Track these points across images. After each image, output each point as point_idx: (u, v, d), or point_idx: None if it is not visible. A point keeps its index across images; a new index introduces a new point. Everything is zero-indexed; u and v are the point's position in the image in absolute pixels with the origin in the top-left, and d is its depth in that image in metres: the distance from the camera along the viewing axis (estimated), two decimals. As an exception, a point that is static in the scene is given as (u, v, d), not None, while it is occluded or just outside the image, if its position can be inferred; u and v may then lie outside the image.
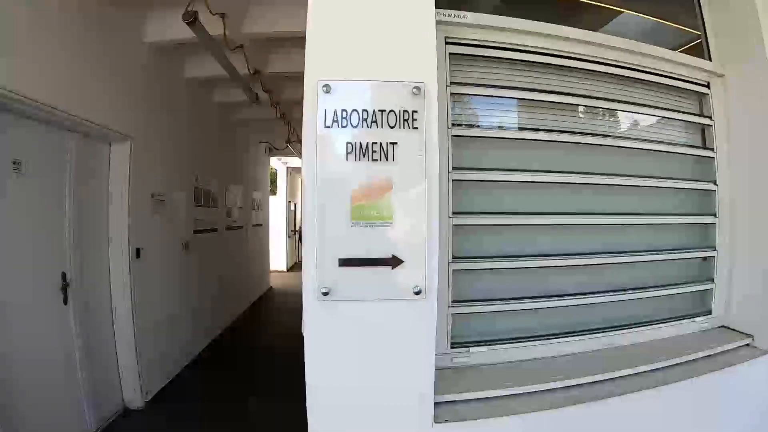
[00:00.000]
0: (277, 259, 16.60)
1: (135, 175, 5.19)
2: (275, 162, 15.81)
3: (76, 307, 4.42)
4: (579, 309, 2.47)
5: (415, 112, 1.80)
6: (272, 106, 7.55)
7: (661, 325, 2.66)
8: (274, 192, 16.80)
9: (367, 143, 1.77)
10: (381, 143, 1.77)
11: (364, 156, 1.76)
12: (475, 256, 2.29)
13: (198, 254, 7.36)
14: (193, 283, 6.91)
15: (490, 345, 2.31)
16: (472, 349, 2.27)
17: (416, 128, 1.80)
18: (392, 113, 1.79)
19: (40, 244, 4.03)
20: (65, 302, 4.29)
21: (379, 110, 1.79)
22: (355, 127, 1.78)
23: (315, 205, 1.74)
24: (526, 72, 2.41)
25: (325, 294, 1.75)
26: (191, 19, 3.82)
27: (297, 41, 5.52)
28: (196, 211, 7.44)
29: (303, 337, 1.76)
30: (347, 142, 1.77)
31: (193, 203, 7.30)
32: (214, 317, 7.27)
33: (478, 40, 2.28)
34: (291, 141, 10.33)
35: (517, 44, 2.33)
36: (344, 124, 1.77)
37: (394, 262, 1.76)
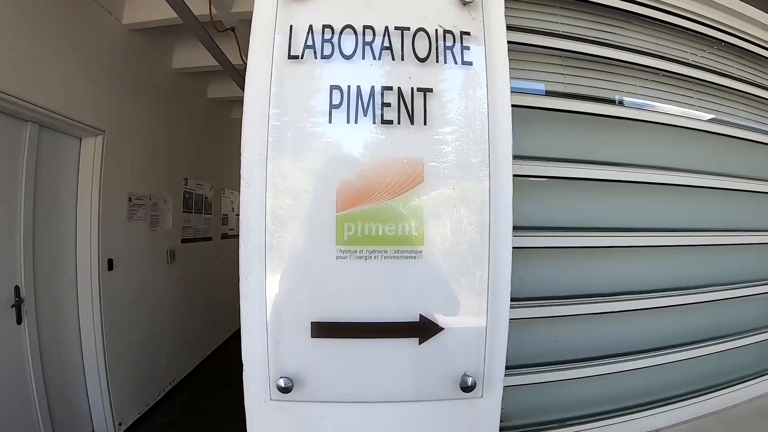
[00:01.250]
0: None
1: (108, 174, 4.45)
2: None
3: (32, 327, 3.79)
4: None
5: (467, 34, 0.94)
6: (271, 102, 6.73)
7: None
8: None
9: (372, 89, 0.91)
10: (400, 90, 0.91)
11: (365, 115, 0.90)
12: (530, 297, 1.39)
13: (185, 266, 6.58)
14: (178, 298, 6.21)
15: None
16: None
17: (468, 63, 0.94)
18: (422, 34, 0.93)
19: None
20: (18, 321, 3.67)
21: (398, 28, 0.94)
22: (349, 58, 0.92)
23: (261, 214, 0.88)
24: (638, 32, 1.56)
25: (285, 390, 0.89)
26: None
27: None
28: (185, 217, 6.71)
29: None
30: (332, 87, 0.91)
31: (181, 208, 6.55)
32: (201, 337, 6.58)
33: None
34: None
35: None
36: (327, 53, 0.92)
37: (424, 329, 0.88)
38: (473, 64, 0.93)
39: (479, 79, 0.92)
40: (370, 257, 0.87)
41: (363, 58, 0.90)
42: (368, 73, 0.91)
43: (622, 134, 1.49)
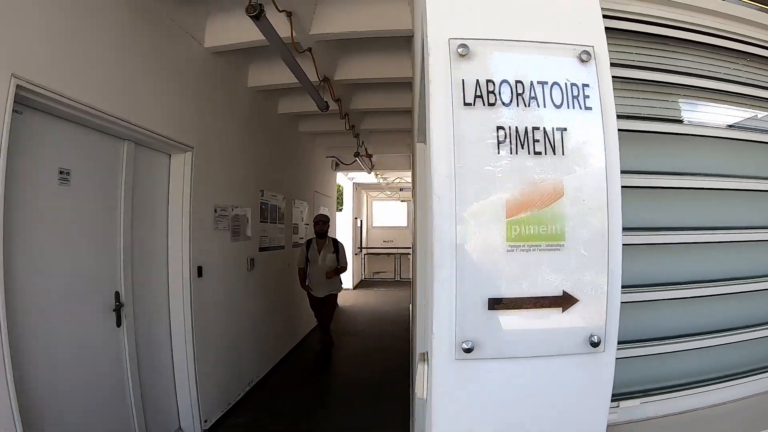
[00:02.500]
0: (344, 276, 15.99)
1: (196, 188, 4.82)
2: (341, 177, 15.14)
3: (130, 329, 4.10)
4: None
5: (587, 86, 1.27)
6: (341, 117, 7.10)
7: None
8: (339, 208, 16.38)
9: (526, 129, 1.23)
10: (545, 129, 1.24)
11: (522, 147, 1.22)
12: (642, 285, 1.76)
13: (263, 272, 6.96)
14: (256, 304, 6.44)
15: (643, 397, 1.78)
16: (621, 403, 1.74)
17: (590, 108, 1.26)
18: (556, 86, 1.26)
19: (91, 261, 3.71)
20: (118, 324, 3.97)
21: (539, 82, 1.26)
22: (507, 105, 1.24)
23: (451, 221, 1.20)
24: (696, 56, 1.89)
25: (468, 351, 1.21)
26: (255, 13, 3.44)
27: (369, 44, 5.07)
28: (262, 227, 7.09)
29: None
30: (498, 127, 1.23)
31: (258, 219, 6.94)
32: (278, 339, 6.87)
33: (639, 14, 1.77)
34: (360, 155, 9.79)
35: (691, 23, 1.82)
36: (492, 101, 1.23)
37: (566, 301, 1.22)
38: (592, 108, 1.26)
39: (596, 119, 1.25)
40: (529, 250, 1.20)
41: (517, 105, 1.22)
42: (522, 116, 1.23)
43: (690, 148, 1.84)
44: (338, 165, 12.73)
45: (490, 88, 1.24)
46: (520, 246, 1.21)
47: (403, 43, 5.06)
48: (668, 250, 1.84)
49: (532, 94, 1.25)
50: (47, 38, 2.97)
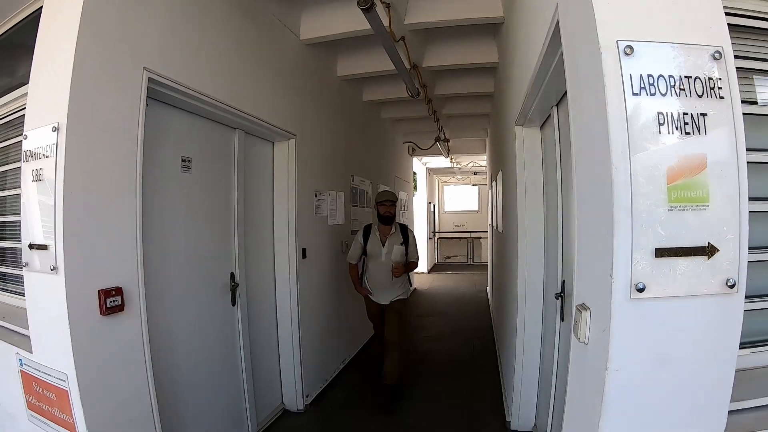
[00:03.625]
0: (419, 260, 15.88)
1: (299, 174, 5.12)
2: (415, 162, 15.39)
3: (243, 308, 4.40)
4: None
5: (720, 80, 1.58)
6: (426, 102, 7.37)
7: None
8: (414, 193, 16.50)
9: (679, 114, 1.55)
10: (692, 114, 1.55)
11: (676, 129, 1.54)
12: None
13: None
14: (348, 285, 6.57)
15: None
16: (751, 350, 2.06)
17: (722, 98, 1.57)
18: (698, 80, 1.56)
19: (211, 243, 4.03)
20: (233, 303, 4.28)
21: (686, 77, 1.57)
22: (664, 95, 1.55)
23: (627, 187, 1.51)
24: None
25: (640, 290, 1.52)
26: (367, 6, 3.70)
27: (454, 31, 5.47)
28: (353, 211, 7.39)
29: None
30: (658, 113, 1.54)
31: (350, 203, 7.26)
32: (365, 320, 7.22)
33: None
34: (440, 139, 9.93)
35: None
36: (652, 92, 1.55)
37: (709, 250, 1.53)
38: (724, 97, 1.57)
39: (728, 106, 1.57)
40: (684, 209, 1.52)
41: (671, 95, 1.54)
42: (675, 104, 1.55)
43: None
44: (414, 150, 12.99)
45: (650, 81, 1.55)
46: (677, 206, 1.53)
47: (486, 29, 5.40)
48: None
49: (681, 86, 1.56)
50: (170, 33, 3.17)
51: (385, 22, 4.29)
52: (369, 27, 4.03)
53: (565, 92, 2.51)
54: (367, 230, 5.84)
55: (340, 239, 6.71)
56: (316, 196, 5.75)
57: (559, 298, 3.30)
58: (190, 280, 3.74)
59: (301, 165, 5.23)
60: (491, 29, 5.37)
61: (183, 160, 3.62)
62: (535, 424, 4.39)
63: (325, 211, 6.07)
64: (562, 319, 3.30)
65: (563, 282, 3.33)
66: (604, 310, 1.60)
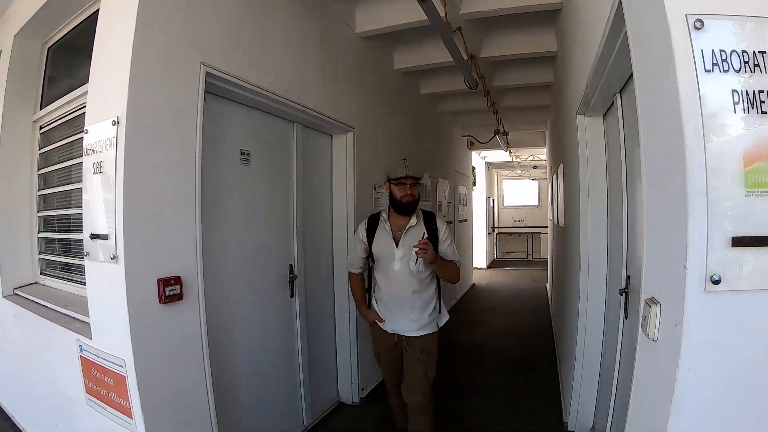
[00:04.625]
0: (478, 256, 16.05)
1: (357, 167, 5.14)
2: (474, 156, 15.27)
3: (301, 300, 4.43)
4: None
5: None
6: (484, 94, 7.26)
7: None
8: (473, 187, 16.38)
9: (755, 92, 1.42)
10: (767, 92, 1.43)
11: (752, 108, 1.42)
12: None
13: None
14: None
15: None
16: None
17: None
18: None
19: (270, 235, 4.07)
20: (291, 295, 4.31)
21: (760, 51, 1.44)
22: (738, 71, 1.44)
23: (702, 170, 1.42)
24: None
25: (716, 282, 1.41)
26: None
27: (512, 20, 5.28)
28: (411, 206, 7.21)
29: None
30: (732, 90, 1.43)
31: (408, 197, 7.08)
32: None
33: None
34: (499, 132, 9.85)
35: None
36: (725, 68, 1.43)
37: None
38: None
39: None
40: (762, 195, 1.40)
41: (745, 72, 1.43)
42: (749, 81, 1.43)
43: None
44: (473, 144, 12.91)
45: (723, 57, 1.44)
46: (755, 192, 1.41)
47: (544, 17, 5.23)
48: None
49: (755, 62, 1.44)
50: (227, 28, 3.24)
51: (441, 12, 4.21)
52: (425, 18, 3.98)
53: (630, 76, 2.41)
54: (373, 223, 3.95)
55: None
56: (374, 189, 5.70)
57: (624, 294, 3.13)
58: (249, 271, 3.78)
59: (360, 158, 5.21)
60: (549, 17, 5.17)
61: (242, 153, 3.68)
62: (593, 426, 4.21)
63: (383, 205, 5.89)
64: (626, 317, 3.13)
65: (628, 277, 3.15)
66: (676, 304, 1.51)
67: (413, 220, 3.78)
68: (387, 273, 3.81)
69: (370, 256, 3.93)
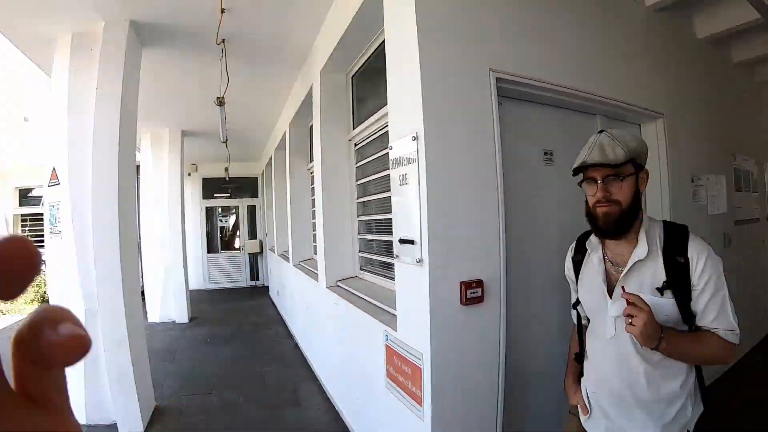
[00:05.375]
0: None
1: (669, 157, 4.55)
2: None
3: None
4: None
5: None
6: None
7: None
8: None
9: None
10: None
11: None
12: None
13: (739, 252, 5.94)
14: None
15: None
16: None
17: None
18: None
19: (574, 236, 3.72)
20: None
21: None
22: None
23: None
24: None
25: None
26: None
27: None
28: (736, 197, 6.09)
29: None
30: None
31: (733, 188, 5.99)
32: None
33: None
34: None
35: None
36: None
37: None
38: None
39: None
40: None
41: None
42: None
43: None
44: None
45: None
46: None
47: None
48: None
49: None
50: (510, 29, 3.20)
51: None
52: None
53: None
54: (580, 248, 2.41)
55: (722, 230, 5.65)
56: (692, 181, 4.98)
57: None
58: (552, 275, 3.48)
59: (673, 146, 4.60)
60: None
61: (545, 153, 3.63)
62: None
63: (704, 199, 5.20)
64: None
65: None
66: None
67: (641, 247, 1.97)
68: (597, 337, 2.19)
69: (578, 302, 2.41)
